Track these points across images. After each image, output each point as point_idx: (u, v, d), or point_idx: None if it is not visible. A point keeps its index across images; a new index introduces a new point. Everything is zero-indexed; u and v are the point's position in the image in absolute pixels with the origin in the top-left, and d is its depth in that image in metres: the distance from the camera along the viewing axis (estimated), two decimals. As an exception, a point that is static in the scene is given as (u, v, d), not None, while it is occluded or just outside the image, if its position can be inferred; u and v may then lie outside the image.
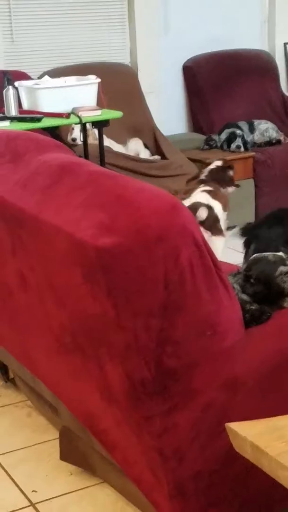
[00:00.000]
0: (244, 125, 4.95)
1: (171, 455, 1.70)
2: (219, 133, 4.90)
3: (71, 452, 2.22)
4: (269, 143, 4.95)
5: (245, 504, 1.79)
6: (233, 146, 4.78)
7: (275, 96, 5.20)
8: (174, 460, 1.69)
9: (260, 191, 4.78)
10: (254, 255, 1.94)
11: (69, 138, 4.26)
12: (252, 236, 3.29)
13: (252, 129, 4.97)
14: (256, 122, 5.01)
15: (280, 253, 1.93)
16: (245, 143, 4.80)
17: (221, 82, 5.05)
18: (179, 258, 1.58)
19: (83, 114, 3.69)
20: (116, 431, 1.84)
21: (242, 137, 4.81)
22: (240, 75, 5.10)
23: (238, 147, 4.77)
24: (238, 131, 4.84)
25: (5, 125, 3.49)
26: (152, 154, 4.67)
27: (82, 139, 3.98)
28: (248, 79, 5.11)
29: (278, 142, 4.98)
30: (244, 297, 1.84)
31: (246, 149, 4.80)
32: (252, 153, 4.78)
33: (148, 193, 1.64)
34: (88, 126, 4.01)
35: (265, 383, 1.77)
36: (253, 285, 1.87)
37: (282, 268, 1.86)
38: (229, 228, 3.69)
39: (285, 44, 5.37)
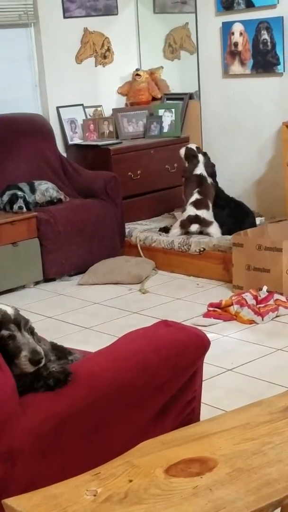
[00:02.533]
0: (24, 186, 5.05)
1: None
2: (1, 195, 4.94)
3: None
4: (51, 202, 5.08)
5: None
6: (15, 207, 4.84)
7: (53, 157, 5.36)
8: None
9: (46, 249, 4.88)
10: None
11: None
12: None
13: (33, 190, 5.07)
14: (36, 182, 5.12)
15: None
16: (27, 203, 4.89)
17: (-1, 146, 5.11)
18: None
19: None
20: None
21: (24, 198, 4.90)
22: (17, 138, 5.19)
23: (20, 208, 4.84)
24: (20, 193, 4.92)
25: None
26: None
27: None
28: (26, 142, 5.22)
29: (59, 201, 5.13)
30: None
31: (28, 209, 4.88)
32: (35, 213, 4.87)
33: None
34: None
35: (43, 449, 1.79)
36: None
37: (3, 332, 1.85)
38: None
39: (57, 107, 5.58)
